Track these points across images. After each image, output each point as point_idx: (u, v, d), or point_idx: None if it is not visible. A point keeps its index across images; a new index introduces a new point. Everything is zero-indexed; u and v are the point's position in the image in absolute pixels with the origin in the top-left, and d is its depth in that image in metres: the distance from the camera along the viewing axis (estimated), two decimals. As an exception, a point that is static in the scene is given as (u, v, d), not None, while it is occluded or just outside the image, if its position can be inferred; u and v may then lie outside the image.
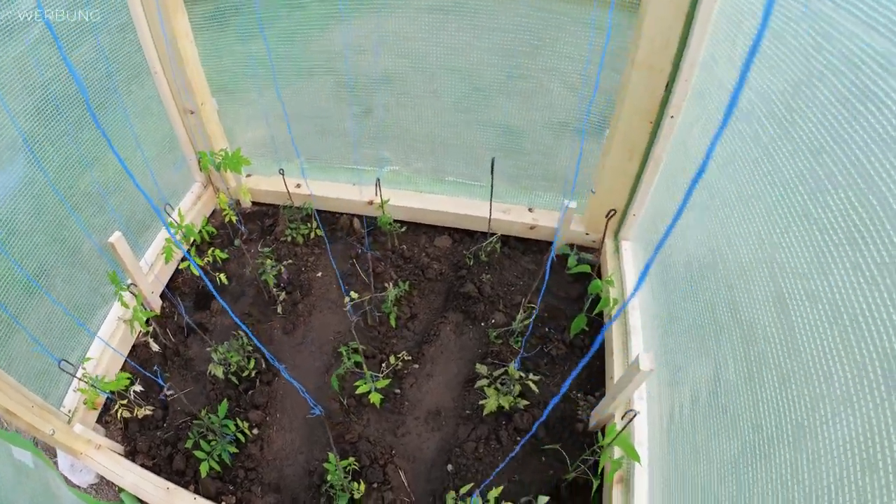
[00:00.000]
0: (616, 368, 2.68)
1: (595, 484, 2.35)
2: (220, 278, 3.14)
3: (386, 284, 3.10)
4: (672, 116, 2.57)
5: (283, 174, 3.15)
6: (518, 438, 2.63)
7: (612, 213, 2.91)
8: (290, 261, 3.33)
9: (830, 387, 1.29)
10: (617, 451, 2.34)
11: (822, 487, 1.24)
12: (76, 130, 2.58)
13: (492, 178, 2.90)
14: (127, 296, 2.77)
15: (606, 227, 3.01)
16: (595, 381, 2.82)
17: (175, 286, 3.28)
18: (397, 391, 2.81)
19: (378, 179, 3.07)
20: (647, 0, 2.27)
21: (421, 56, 2.97)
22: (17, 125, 2.29)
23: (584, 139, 2.94)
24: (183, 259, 3.23)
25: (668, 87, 2.53)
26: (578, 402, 2.75)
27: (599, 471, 2.35)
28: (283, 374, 2.41)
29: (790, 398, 1.46)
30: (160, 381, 2.80)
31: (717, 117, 2.23)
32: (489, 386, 2.61)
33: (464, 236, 3.46)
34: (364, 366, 2.63)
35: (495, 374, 2.69)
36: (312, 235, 3.43)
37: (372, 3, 2.82)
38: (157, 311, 3.11)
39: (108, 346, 2.76)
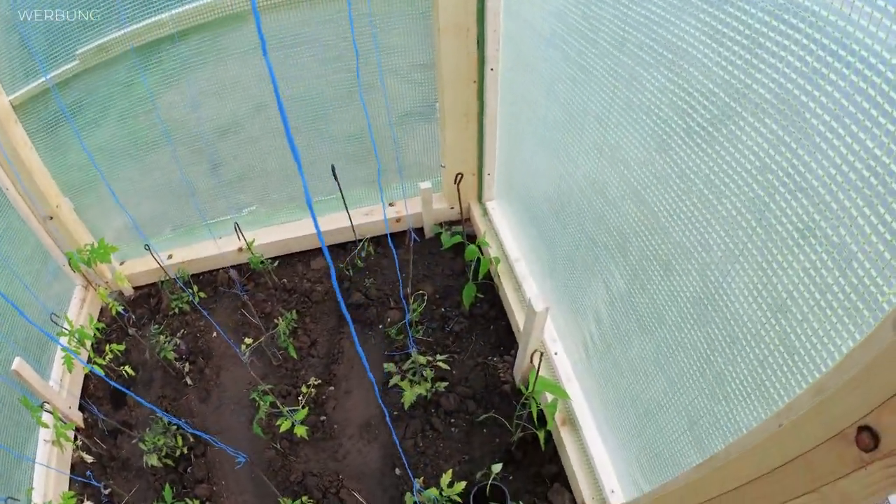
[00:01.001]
0: (519, 321, 2.56)
1: (542, 434, 2.21)
2: (125, 371, 2.84)
3: (277, 321, 2.84)
4: (492, 69, 2.47)
5: (149, 249, 2.85)
6: (451, 420, 2.46)
7: (460, 176, 2.76)
8: (183, 331, 3.03)
9: (710, 253, 1.19)
10: (550, 396, 2.22)
11: (742, 347, 1.14)
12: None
13: (338, 185, 2.69)
14: (46, 416, 2.45)
15: (459, 192, 2.84)
16: (506, 342, 2.71)
17: (89, 393, 2.94)
18: (322, 418, 2.58)
19: (236, 224, 2.81)
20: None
21: (250, 96, 2.77)
22: None
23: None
24: (88, 360, 2.87)
25: (480, 43, 2.41)
26: (498, 367, 2.61)
27: (536, 419, 2.22)
28: (187, 429, 2.13)
29: (678, 280, 1.37)
30: (95, 483, 2.52)
31: (532, 56, 2.13)
32: (402, 380, 2.42)
33: (338, 251, 3.23)
34: (279, 404, 2.38)
35: (404, 367, 2.50)
36: (197, 300, 3.12)
37: (188, 64, 2.60)
38: (79, 422, 2.77)
39: (49, 470, 2.48)
